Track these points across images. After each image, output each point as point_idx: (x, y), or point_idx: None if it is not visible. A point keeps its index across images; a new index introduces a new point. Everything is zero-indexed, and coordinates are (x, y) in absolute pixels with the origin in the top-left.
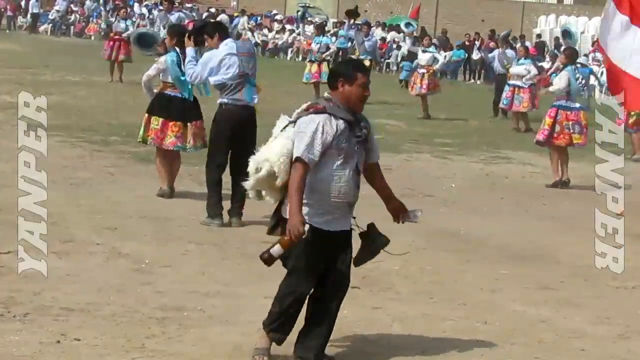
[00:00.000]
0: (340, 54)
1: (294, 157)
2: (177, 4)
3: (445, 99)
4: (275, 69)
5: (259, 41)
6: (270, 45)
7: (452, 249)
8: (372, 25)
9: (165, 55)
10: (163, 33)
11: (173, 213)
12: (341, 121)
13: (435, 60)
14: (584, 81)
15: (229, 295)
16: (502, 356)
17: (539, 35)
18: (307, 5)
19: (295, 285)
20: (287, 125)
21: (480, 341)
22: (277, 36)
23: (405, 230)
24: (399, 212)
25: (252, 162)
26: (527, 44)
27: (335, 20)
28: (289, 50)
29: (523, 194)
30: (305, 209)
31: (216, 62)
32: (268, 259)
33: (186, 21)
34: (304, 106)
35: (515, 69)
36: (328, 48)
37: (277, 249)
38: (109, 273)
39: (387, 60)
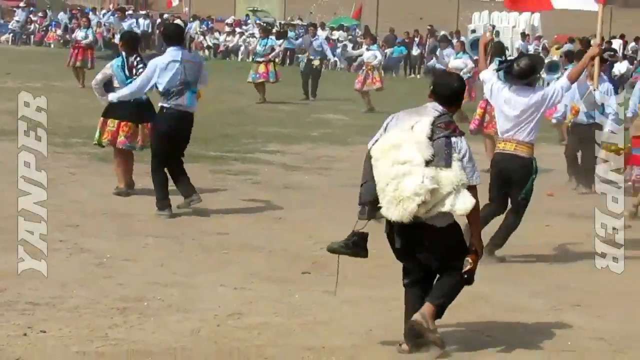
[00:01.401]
0: (288, 54)
1: (475, 183)
2: (131, 10)
3: (387, 92)
4: (227, 70)
5: (210, 44)
6: (221, 48)
7: None
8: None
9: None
10: (117, 38)
11: (132, 209)
12: None
13: (375, 57)
14: None
15: (187, 285)
16: (447, 332)
17: (473, 31)
18: (255, 9)
19: None
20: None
21: None
22: (227, 39)
23: (353, 216)
24: None
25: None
26: (463, 39)
27: (283, 22)
28: (239, 52)
29: None
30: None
31: (158, 72)
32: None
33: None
34: (440, 122)
35: (453, 63)
36: (273, 49)
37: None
38: (72, 268)
39: (333, 59)
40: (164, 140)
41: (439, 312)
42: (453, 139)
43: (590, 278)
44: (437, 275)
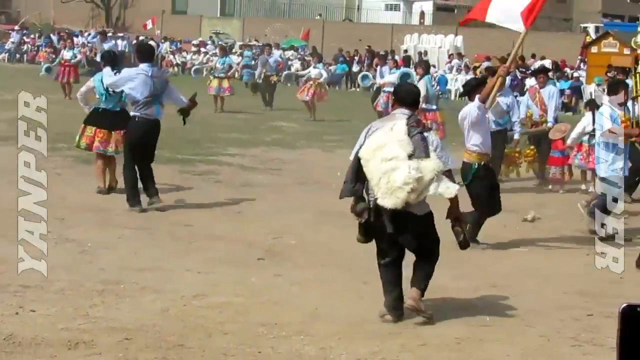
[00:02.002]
0: (245, 70)
1: (447, 168)
2: (111, 33)
3: (331, 104)
4: (192, 84)
5: (179, 62)
6: (188, 65)
7: (340, 225)
8: (272, 46)
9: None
10: (98, 57)
11: (110, 205)
12: None
13: (322, 75)
14: (438, 87)
15: (158, 270)
16: (380, 307)
17: (405, 51)
18: (218, 31)
19: None
20: (417, 136)
21: (362, 297)
22: (193, 57)
23: (301, 210)
24: None
25: (404, 177)
26: (397, 57)
27: (241, 43)
28: (204, 69)
29: None
30: None
31: (130, 78)
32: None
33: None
34: (412, 122)
35: (388, 78)
36: (231, 67)
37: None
38: (58, 255)
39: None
40: (135, 145)
41: (423, 293)
42: (425, 134)
43: (505, 263)
44: (415, 258)
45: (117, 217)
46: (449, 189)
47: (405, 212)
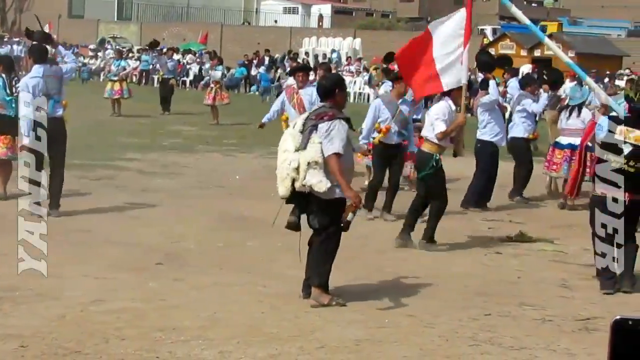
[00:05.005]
0: (144, 74)
1: (332, 152)
2: (6, 38)
3: (230, 107)
4: (90, 88)
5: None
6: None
7: (238, 228)
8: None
9: None
10: None
11: (7, 210)
12: (343, 120)
13: (217, 75)
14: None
15: (55, 276)
16: (281, 312)
17: (306, 53)
18: (115, 36)
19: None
20: (308, 129)
21: (261, 301)
22: (91, 62)
23: (200, 214)
24: None
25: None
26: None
27: (139, 47)
28: (101, 73)
29: None
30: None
31: (26, 86)
32: (348, 226)
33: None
34: (312, 115)
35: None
36: (125, 69)
37: (351, 216)
38: None
39: (182, 78)
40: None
41: (322, 284)
42: (320, 125)
43: (403, 264)
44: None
45: (14, 224)
46: (321, 182)
47: (312, 195)
